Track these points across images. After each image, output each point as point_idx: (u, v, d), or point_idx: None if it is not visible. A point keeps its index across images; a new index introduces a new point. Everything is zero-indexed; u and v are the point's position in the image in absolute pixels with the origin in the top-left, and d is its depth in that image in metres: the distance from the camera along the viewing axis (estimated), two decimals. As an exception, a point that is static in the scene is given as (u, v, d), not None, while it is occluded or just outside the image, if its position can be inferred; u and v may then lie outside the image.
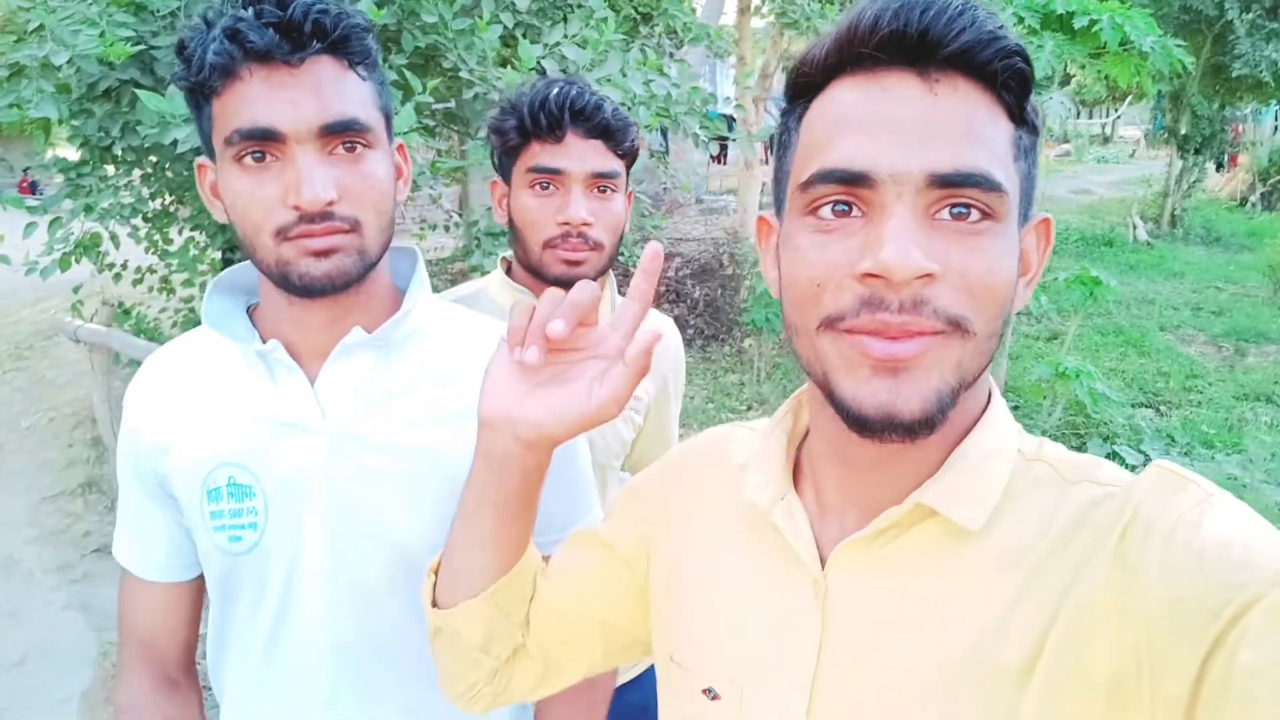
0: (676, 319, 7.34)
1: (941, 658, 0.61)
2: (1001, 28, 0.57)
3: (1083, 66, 5.24)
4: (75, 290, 4.73)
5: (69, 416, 5.84)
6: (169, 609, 1.07)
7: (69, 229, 3.29)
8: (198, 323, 1.00)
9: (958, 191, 0.56)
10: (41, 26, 2.39)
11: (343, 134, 0.87)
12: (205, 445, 0.98)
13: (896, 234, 0.55)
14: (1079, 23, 4.88)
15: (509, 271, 1.45)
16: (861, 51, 0.58)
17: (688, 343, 7.05)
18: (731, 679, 0.71)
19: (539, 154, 1.31)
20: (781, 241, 0.65)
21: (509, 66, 3.12)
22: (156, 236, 4.25)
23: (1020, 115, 0.60)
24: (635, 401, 1.49)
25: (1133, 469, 4.76)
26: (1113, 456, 5.07)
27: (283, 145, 0.86)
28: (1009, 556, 0.61)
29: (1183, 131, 12.52)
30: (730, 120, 8.03)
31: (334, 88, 0.87)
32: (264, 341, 0.97)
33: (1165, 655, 0.52)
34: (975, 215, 0.57)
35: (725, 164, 18.17)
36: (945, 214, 0.57)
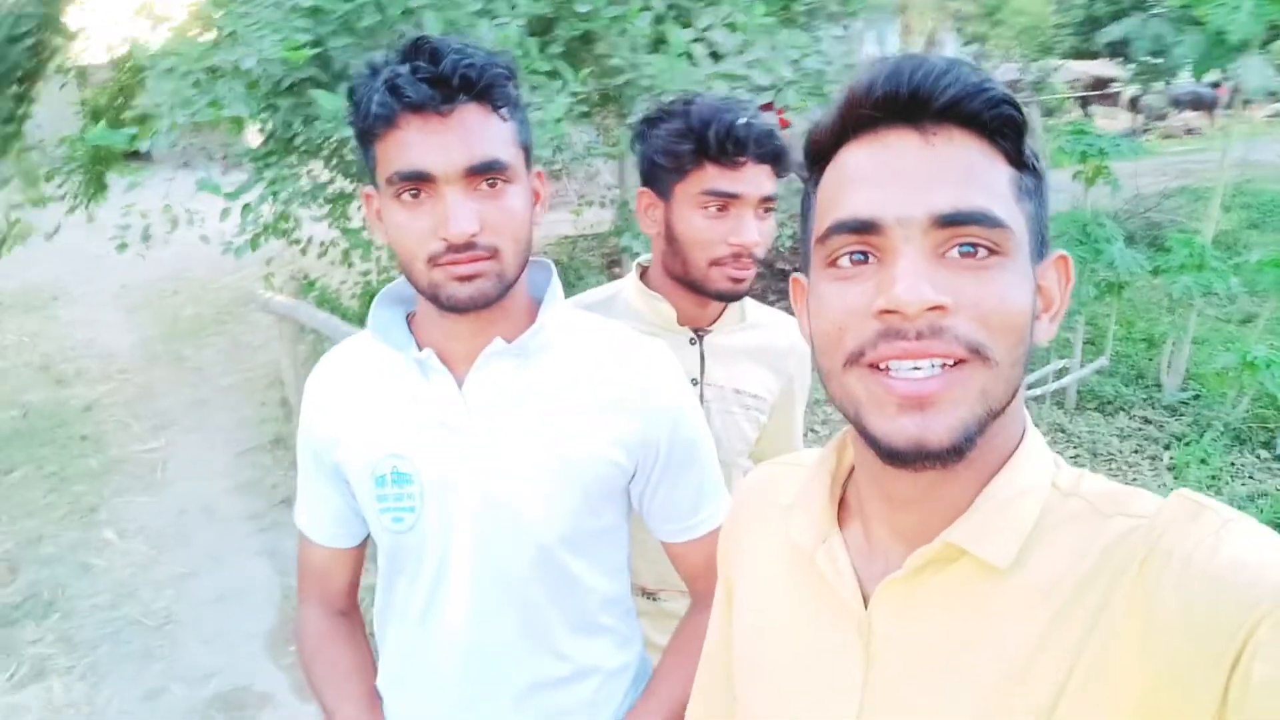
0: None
1: (975, 696, 0.63)
2: (987, 80, 0.61)
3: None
4: (267, 263, 5.15)
5: (261, 378, 6.39)
6: (335, 563, 1.26)
7: (258, 212, 3.61)
8: (373, 294, 1.16)
9: (962, 230, 0.60)
10: (233, 32, 2.64)
11: (485, 174, 0.99)
12: (373, 438, 1.12)
13: (906, 271, 0.60)
14: (1285, -22, 4.44)
15: (642, 276, 1.52)
16: (862, 113, 0.64)
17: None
18: (781, 713, 0.75)
19: (715, 177, 1.36)
20: (809, 295, 0.70)
21: (659, 51, 3.16)
22: (337, 214, 4.57)
23: (1019, 159, 0.64)
24: (758, 400, 1.54)
25: (1320, 471, 4.32)
26: (1303, 455, 4.66)
27: (434, 185, 0.98)
28: (1040, 593, 0.62)
29: None
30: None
31: (479, 133, 0.99)
32: (420, 348, 1.10)
33: (1189, 681, 0.53)
34: (983, 252, 0.61)
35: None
36: (954, 253, 0.61)
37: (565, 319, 1.16)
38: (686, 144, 1.36)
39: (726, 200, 1.37)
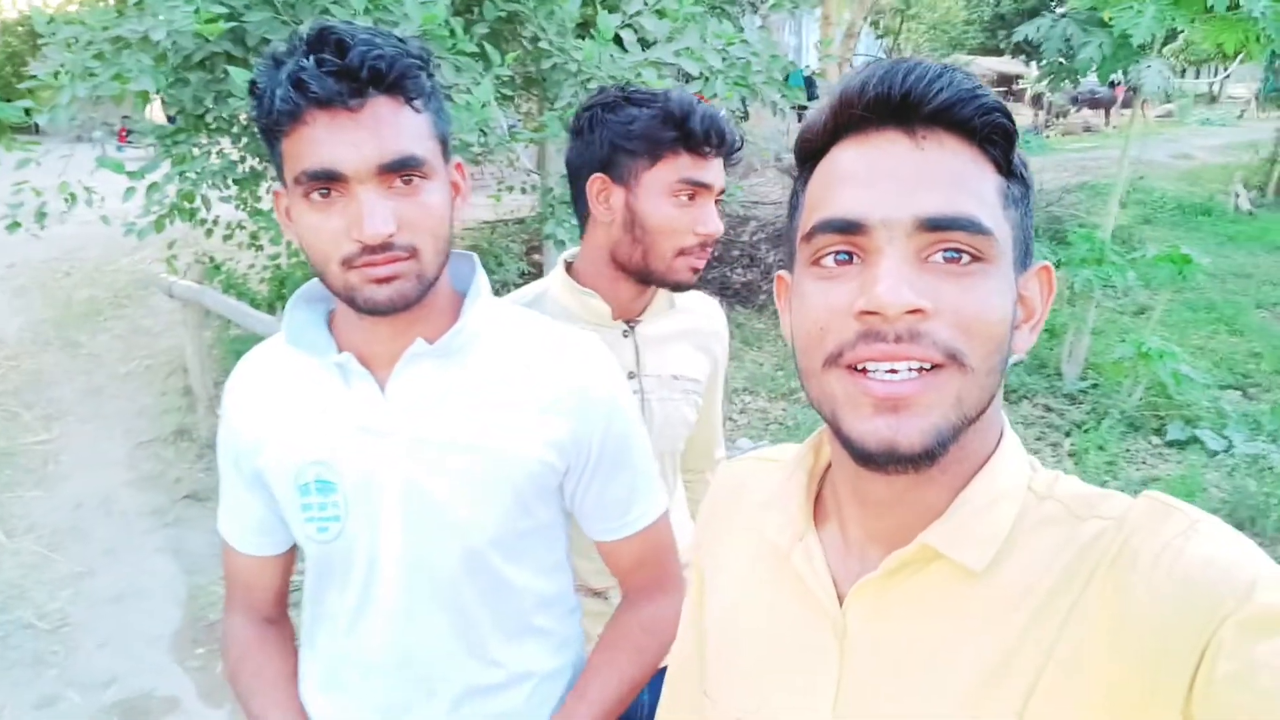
0: (749, 284, 7.33)
1: (949, 699, 0.63)
2: (979, 87, 0.62)
3: (1193, 22, 4.97)
4: (170, 245, 4.93)
5: (164, 365, 6.12)
6: (261, 571, 1.22)
7: (164, 192, 3.43)
8: (283, 280, 1.10)
9: (946, 235, 0.60)
10: (141, 1, 2.49)
11: (400, 170, 0.95)
12: (295, 445, 1.08)
13: (888, 273, 0.59)
14: (1184, -15, 4.65)
15: (569, 271, 1.49)
16: (853, 114, 0.63)
17: (759, 308, 7.02)
18: (756, 711, 0.75)
19: (690, 167, 1.36)
20: (792, 293, 0.69)
21: (588, 37, 3.11)
22: (247, 195, 4.39)
23: (1008, 167, 0.64)
24: (695, 384, 1.54)
25: (1214, 454, 4.59)
26: (1193, 441, 4.91)
27: (345, 184, 0.94)
28: (1015, 596, 0.63)
29: (1296, 94, 11.85)
30: (811, 82, 7.87)
31: (391, 127, 0.94)
32: (340, 350, 1.06)
33: (1156, 677, 0.54)
34: (966, 259, 0.61)
35: (806, 122, 17.78)
36: (938, 258, 0.61)
37: (491, 314, 1.12)
38: (668, 131, 1.35)
39: (697, 189, 1.37)
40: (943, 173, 0.61)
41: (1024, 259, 0.66)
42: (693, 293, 1.61)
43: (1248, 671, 0.50)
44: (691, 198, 1.38)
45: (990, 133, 0.62)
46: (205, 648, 3.22)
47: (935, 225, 0.60)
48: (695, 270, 1.42)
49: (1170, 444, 4.99)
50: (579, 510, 1.17)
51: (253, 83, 0.97)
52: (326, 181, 0.94)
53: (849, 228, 0.62)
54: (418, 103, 0.98)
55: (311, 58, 0.92)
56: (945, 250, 0.60)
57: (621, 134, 1.38)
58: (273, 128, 0.95)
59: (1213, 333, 6.93)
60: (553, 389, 1.09)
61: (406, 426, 1.05)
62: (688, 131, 1.34)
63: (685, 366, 1.53)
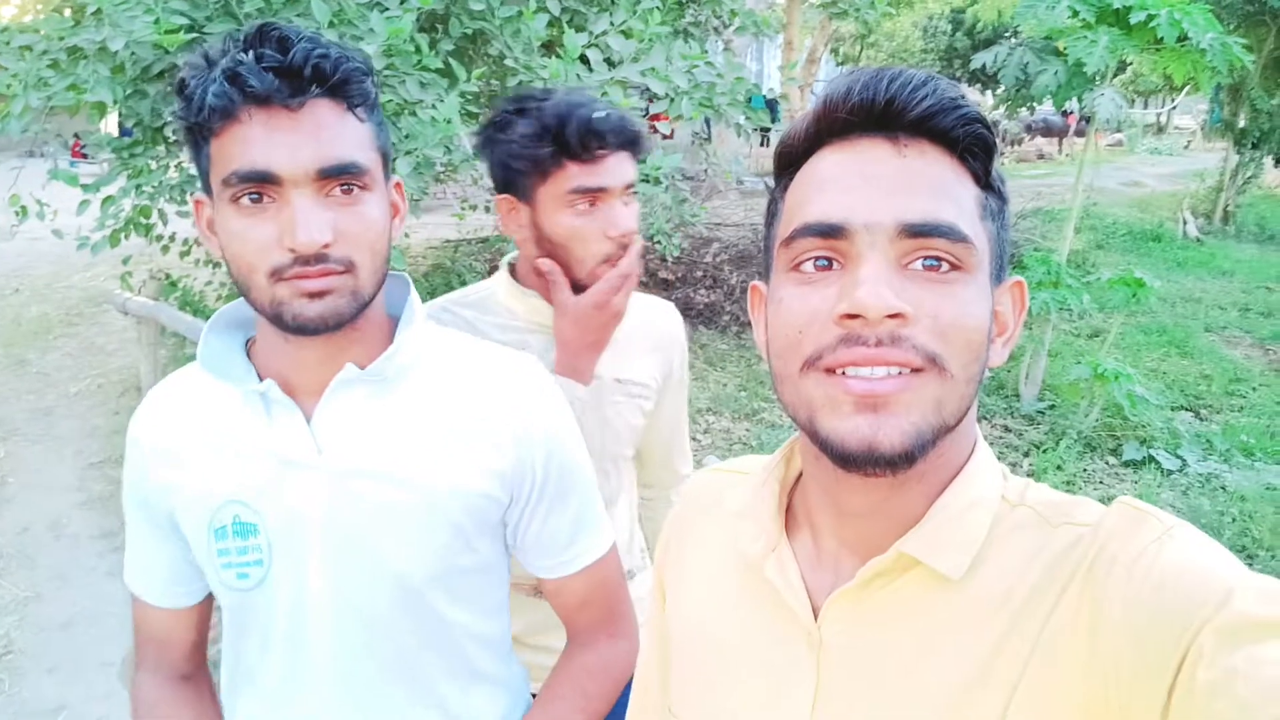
0: (712, 305, 7.36)
1: (928, 708, 0.63)
2: (962, 98, 0.62)
3: (1141, 55, 5.12)
4: (125, 262, 4.83)
5: (116, 384, 5.98)
6: (174, 625, 1.11)
7: (119, 206, 3.37)
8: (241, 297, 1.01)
9: (927, 242, 0.61)
10: (99, 10, 2.44)
11: (339, 177, 0.89)
12: (210, 485, 0.99)
13: (869, 276, 0.59)
14: (1135, 17, 4.77)
15: (513, 273, 1.47)
16: (836, 119, 0.64)
17: (722, 330, 7.05)
18: None
19: (578, 175, 1.31)
20: (768, 299, 0.69)
21: (554, 55, 3.12)
22: (204, 211, 4.32)
23: (986, 180, 0.65)
24: (642, 388, 1.50)
25: (1169, 474, 4.67)
26: (1149, 461, 5.00)
27: (279, 188, 0.87)
28: (991, 604, 0.63)
29: (1241, 125, 12.17)
30: (774, 105, 7.96)
31: (332, 131, 0.89)
32: (260, 378, 0.98)
33: (1133, 687, 0.54)
34: (945, 266, 0.61)
35: (769, 146, 18.06)
36: (918, 264, 0.61)
37: (426, 339, 1.05)
38: (545, 146, 1.31)
39: (594, 195, 1.33)
40: (924, 180, 0.61)
41: (999, 273, 0.66)
42: (643, 296, 1.58)
43: (1227, 680, 0.50)
44: (592, 204, 1.33)
45: (971, 143, 0.63)
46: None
47: (916, 231, 0.60)
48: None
49: (1126, 464, 5.08)
50: (521, 544, 1.10)
51: (181, 80, 0.90)
52: (259, 184, 0.87)
53: (830, 231, 0.61)
54: (361, 110, 0.92)
55: (250, 53, 0.86)
56: (925, 258, 0.61)
57: (509, 154, 1.35)
58: (201, 126, 0.88)
59: (1165, 355, 7.08)
60: (492, 417, 1.02)
61: (335, 459, 0.97)
62: (565, 142, 1.29)
63: (631, 370, 1.48)
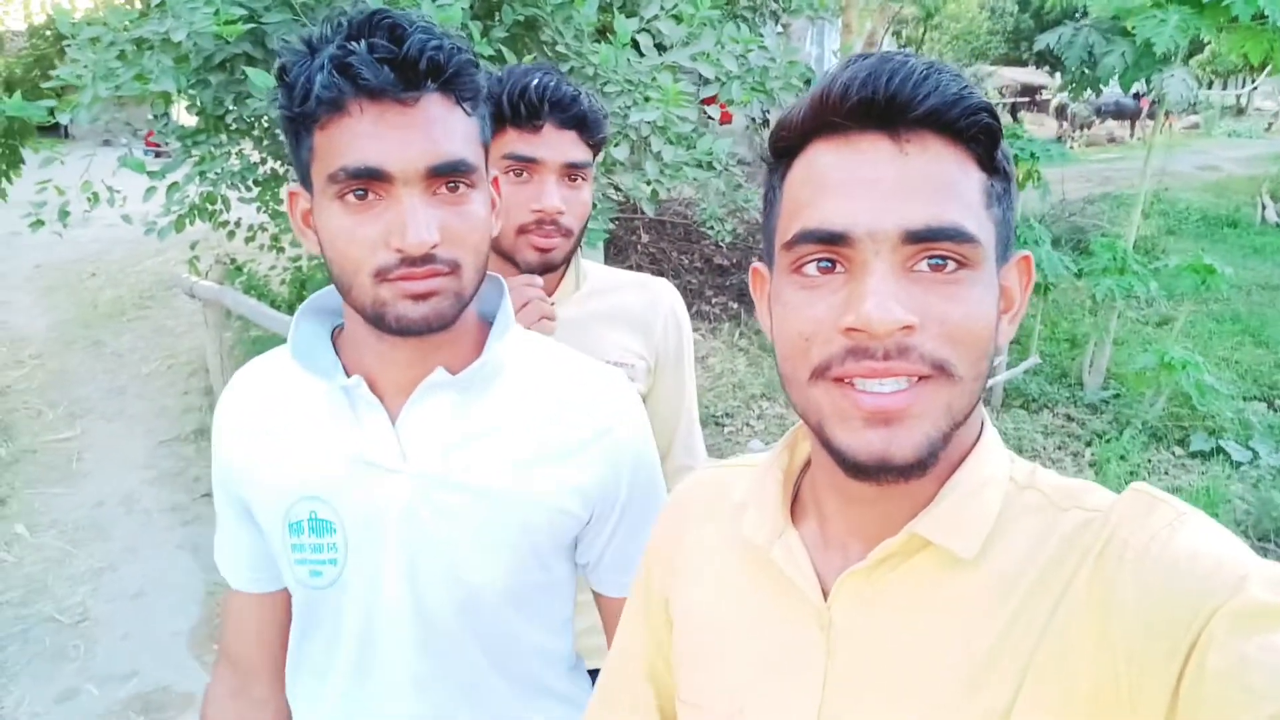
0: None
1: (940, 688, 0.63)
2: (966, 88, 0.60)
3: (1219, 32, 4.93)
4: (192, 247, 4.99)
5: (185, 365, 6.19)
6: (257, 618, 1.09)
7: (184, 192, 3.48)
8: (304, 281, 1.01)
9: (932, 245, 0.59)
10: (163, 3, 2.53)
11: (448, 176, 0.86)
12: (288, 477, 0.97)
13: (876, 289, 0.58)
14: (1209, -6, 4.61)
15: None
16: (834, 120, 0.61)
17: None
18: (738, 710, 0.73)
19: (514, 142, 1.32)
20: (772, 295, 0.68)
21: (605, 40, 3.13)
22: (268, 197, 4.44)
23: (991, 164, 0.63)
24: (626, 369, 1.46)
25: (1238, 466, 4.53)
26: (1218, 451, 4.85)
27: (388, 185, 0.84)
28: (1003, 584, 0.63)
29: (1325, 105, 11.68)
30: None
31: (443, 127, 0.85)
32: (348, 373, 0.96)
33: (1143, 670, 0.54)
34: (951, 266, 0.60)
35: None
36: (923, 265, 0.60)
37: (516, 345, 1.01)
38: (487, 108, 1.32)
39: (525, 165, 1.32)
40: (927, 179, 0.60)
41: (1005, 253, 0.65)
42: (619, 273, 1.56)
43: (1240, 668, 0.49)
44: (522, 174, 1.33)
45: (976, 133, 0.61)
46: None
47: (921, 236, 0.59)
48: (540, 250, 1.35)
49: (1193, 455, 4.94)
50: (596, 561, 1.06)
51: (282, 68, 0.86)
52: (367, 181, 0.83)
53: (833, 239, 0.60)
54: (469, 104, 0.88)
55: (362, 42, 0.81)
56: (931, 258, 0.60)
57: None
58: (305, 118, 0.84)
59: (1238, 344, 6.85)
60: (579, 431, 0.98)
61: (418, 464, 0.94)
62: (502, 105, 1.28)
63: (605, 351, 1.44)
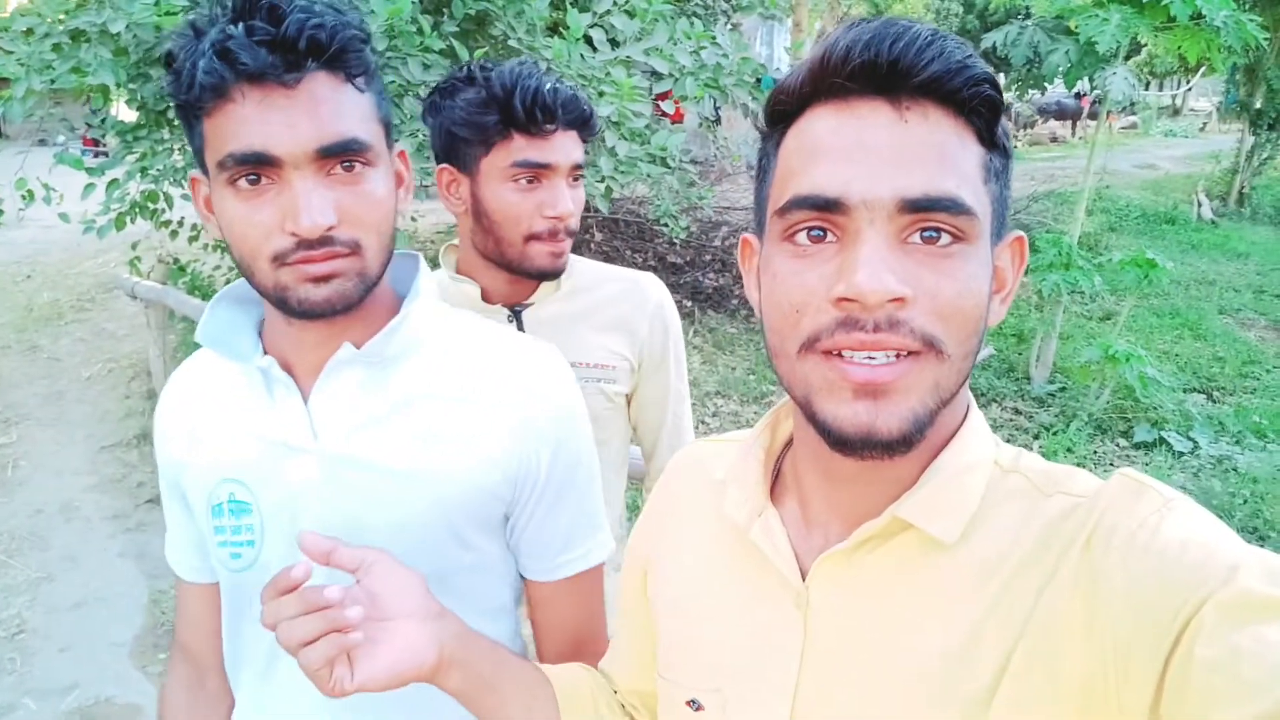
0: (720, 288, 7.33)
1: (918, 671, 0.62)
2: (970, 56, 0.59)
3: (1155, 35, 5.06)
4: (133, 246, 4.85)
5: (127, 368, 6.02)
6: (206, 608, 1.09)
7: (125, 189, 3.38)
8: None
9: (928, 215, 0.58)
10: (100, -8, 2.45)
11: (341, 155, 0.84)
12: (211, 460, 0.98)
13: (869, 259, 0.57)
14: (1148, -6, 4.72)
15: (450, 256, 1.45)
16: (834, 82, 0.60)
17: (731, 313, 7.02)
18: (715, 689, 0.73)
19: (525, 148, 1.29)
20: (762, 265, 0.67)
21: (557, 35, 3.11)
22: (211, 195, 4.33)
23: (990, 139, 0.61)
24: (604, 370, 1.45)
25: (1180, 456, 4.64)
26: (1160, 443, 4.97)
27: (279, 169, 0.83)
28: (984, 569, 0.62)
29: (1256, 106, 12.01)
30: (783, 88, 7.86)
31: (331, 106, 0.84)
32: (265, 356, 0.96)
33: (1130, 657, 0.53)
34: (946, 239, 0.59)
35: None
36: (916, 237, 0.59)
37: (433, 319, 1.00)
38: (491, 115, 1.27)
39: (538, 171, 1.30)
40: (926, 148, 0.58)
41: (1000, 231, 0.64)
42: (605, 268, 1.53)
43: (1230, 657, 0.48)
44: (533, 180, 1.31)
45: (978, 104, 0.59)
46: (168, 654, 3.15)
47: (917, 206, 0.57)
48: (555, 255, 1.34)
49: (1137, 446, 5.05)
50: (517, 542, 1.04)
51: (169, 54, 0.84)
52: (256, 166, 0.82)
53: (827, 205, 0.59)
54: (360, 80, 0.87)
55: (240, 25, 0.79)
56: (925, 230, 0.58)
57: (454, 121, 1.31)
58: (193, 105, 0.83)
59: (1177, 337, 7.03)
60: (497, 407, 0.96)
61: (329, 444, 0.93)
62: (513, 112, 1.26)
63: (588, 352, 1.43)
